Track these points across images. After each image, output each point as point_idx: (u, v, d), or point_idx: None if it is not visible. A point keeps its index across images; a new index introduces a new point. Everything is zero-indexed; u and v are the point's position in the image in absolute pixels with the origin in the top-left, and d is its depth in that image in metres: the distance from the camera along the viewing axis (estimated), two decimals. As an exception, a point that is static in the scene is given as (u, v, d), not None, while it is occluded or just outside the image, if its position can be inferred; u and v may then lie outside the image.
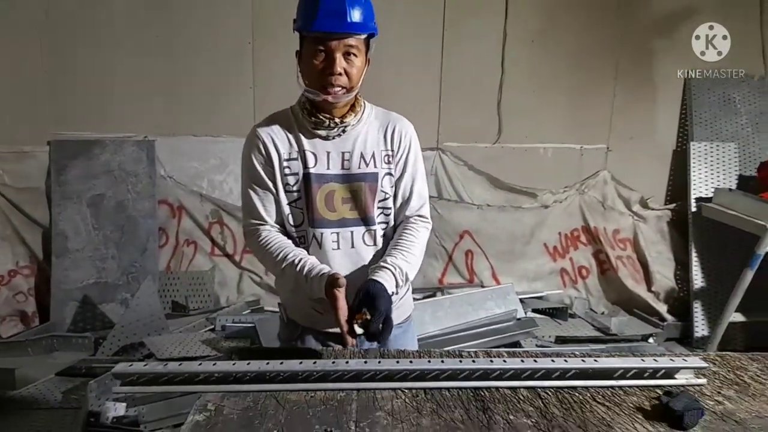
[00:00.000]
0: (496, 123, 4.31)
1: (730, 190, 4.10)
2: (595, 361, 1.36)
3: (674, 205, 4.51)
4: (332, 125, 1.57)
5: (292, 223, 1.61)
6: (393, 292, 1.47)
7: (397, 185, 1.64)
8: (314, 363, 1.35)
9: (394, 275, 1.49)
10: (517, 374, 1.35)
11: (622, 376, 1.36)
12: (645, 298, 4.30)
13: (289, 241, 1.60)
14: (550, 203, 4.40)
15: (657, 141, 4.56)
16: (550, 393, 1.31)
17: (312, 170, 1.56)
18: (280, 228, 1.63)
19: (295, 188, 1.58)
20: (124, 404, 2.55)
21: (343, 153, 1.58)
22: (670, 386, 1.33)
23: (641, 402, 1.27)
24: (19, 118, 3.78)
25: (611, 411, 1.23)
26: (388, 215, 1.66)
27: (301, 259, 1.53)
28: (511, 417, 1.20)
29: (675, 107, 4.52)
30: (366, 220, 1.61)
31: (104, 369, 2.93)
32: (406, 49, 4.11)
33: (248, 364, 1.35)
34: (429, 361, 1.36)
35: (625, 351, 3.49)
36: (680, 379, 1.36)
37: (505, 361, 1.37)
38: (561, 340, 3.75)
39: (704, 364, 1.37)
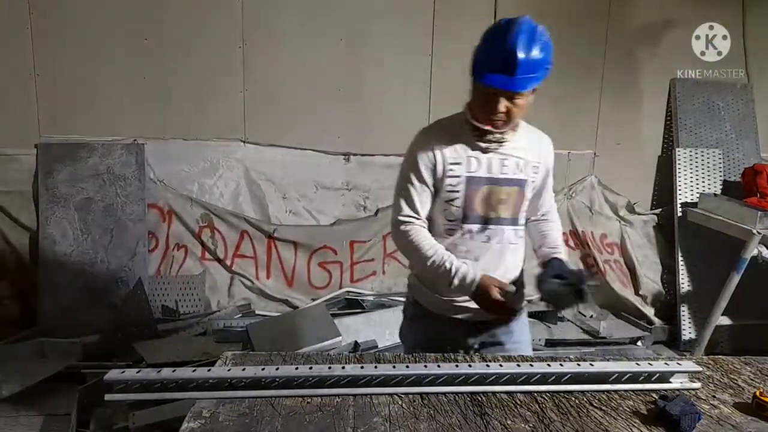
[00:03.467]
0: (486, 128, 4.33)
1: (715, 195, 4.15)
2: (591, 365, 1.37)
3: (660, 210, 4.56)
4: (492, 140, 1.77)
5: (446, 218, 1.81)
6: None
7: (539, 190, 1.90)
8: (310, 368, 1.35)
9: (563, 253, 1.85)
10: (514, 379, 1.35)
11: (618, 380, 1.37)
12: (633, 301, 4.33)
13: (436, 242, 1.80)
14: (539, 208, 4.42)
15: (643, 147, 4.61)
16: (546, 397, 1.32)
17: (475, 174, 1.77)
18: (427, 223, 1.84)
19: (456, 188, 1.77)
20: (114, 410, 2.52)
21: (502, 160, 1.79)
22: (666, 390, 1.35)
23: (637, 406, 1.29)
24: (4, 121, 3.73)
25: (608, 415, 1.24)
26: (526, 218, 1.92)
27: (452, 263, 1.75)
28: (509, 422, 1.21)
29: (660, 114, 4.57)
30: (515, 220, 1.84)
31: (93, 375, 2.90)
32: (395, 52, 4.12)
33: (243, 369, 1.34)
34: (425, 366, 1.36)
35: (614, 354, 3.52)
36: (675, 383, 1.37)
37: (501, 365, 1.38)
38: (551, 343, 3.78)
39: (698, 368, 1.38)
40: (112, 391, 1.33)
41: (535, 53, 1.64)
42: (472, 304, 1.77)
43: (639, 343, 3.94)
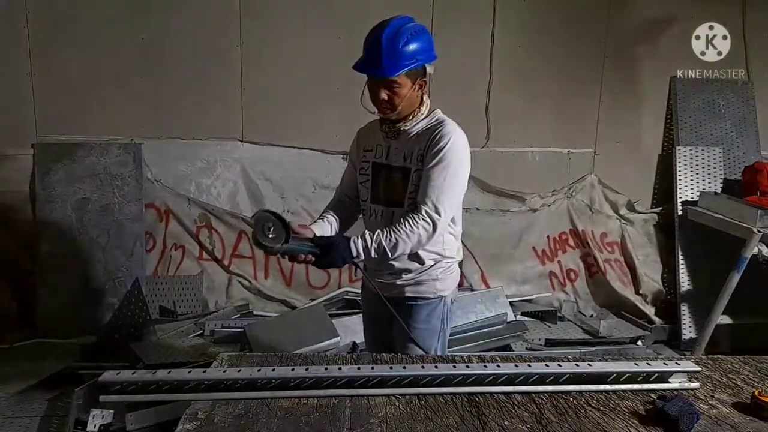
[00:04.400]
0: (485, 127, 4.31)
1: (716, 193, 4.14)
2: (589, 365, 1.36)
3: (660, 208, 4.54)
4: (387, 129, 2.01)
5: (361, 198, 2.11)
6: (358, 252, 1.82)
7: (419, 178, 1.94)
8: (306, 369, 1.34)
9: (365, 239, 1.83)
10: (511, 379, 1.34)
11: (616, 381, 1.36)
12: (633, 300, 4.32)
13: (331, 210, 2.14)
14: (538, 207, 4.41)
15: (643, 145, 4.59)
16: (544, 398, 1.31)
17: (377, 160, 2.05)
18: (351, 198, 2.18)
19: (366, 172, 2.08)
20: (111, 411, 2.51)
21: (397, 149, 2.01)
22: (664, 390, 1.34)
23: (636, 406, 1.27)
24: (1, 121, 3.71)
25: (606, 416, 1.23)
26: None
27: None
28: (506, 423, 1.20)
29: (660, 112, 4.55)
30: (398, 203, 2.00)
31: (90, 375, 2.89)
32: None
33: (239, 371, 1.33)
34: (422, 367, 1.35)
35: (614, 353, 3.51)
36: (674, 383, 1.36)
37: (498, 366, 1.36)
38: (550, 343, 3.76)
39: (697, 368, 1.37)
40: (108, 392, 1.32)
41: (401, 45, 1.83)
42: (380, 279, 2.04)
43: (639, 342, 3.92)
